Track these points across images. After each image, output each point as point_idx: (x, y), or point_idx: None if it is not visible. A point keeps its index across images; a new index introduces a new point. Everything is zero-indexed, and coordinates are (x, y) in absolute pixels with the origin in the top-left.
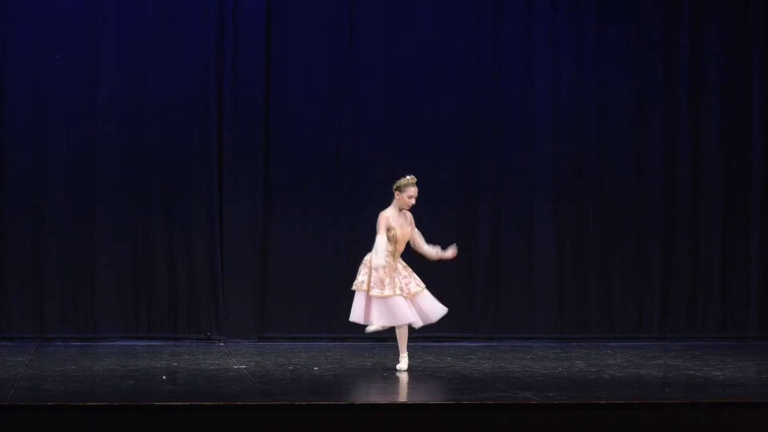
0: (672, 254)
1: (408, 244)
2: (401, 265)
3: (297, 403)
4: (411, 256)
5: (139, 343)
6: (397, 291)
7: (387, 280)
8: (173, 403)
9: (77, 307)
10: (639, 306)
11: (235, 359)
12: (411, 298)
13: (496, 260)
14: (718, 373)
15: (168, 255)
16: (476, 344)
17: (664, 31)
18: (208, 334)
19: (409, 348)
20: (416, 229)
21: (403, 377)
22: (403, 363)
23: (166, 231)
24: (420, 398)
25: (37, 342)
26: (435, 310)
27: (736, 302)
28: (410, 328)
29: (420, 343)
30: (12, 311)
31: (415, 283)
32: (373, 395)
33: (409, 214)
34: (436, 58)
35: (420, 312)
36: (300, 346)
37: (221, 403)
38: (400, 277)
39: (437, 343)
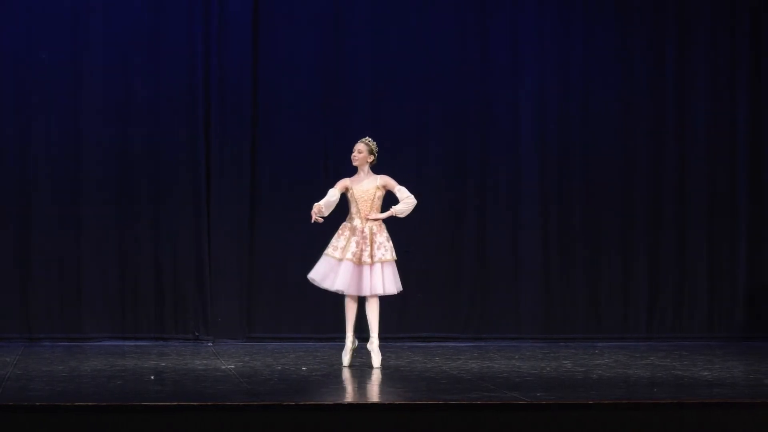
0: (658, 254)
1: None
2: (371, 230)
3: (285, 403)
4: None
5: (127, 343)
6: (336, 254)
7: (342, 242)
8: (161, 404)
9: (64, 308)
10: (626, 306)
11: (223, 359)
12: (359, 264)
13: (483, 260)
14: (705, 373)
15: (155, 255)
16: (464, 344)
17: (650, 33)
18: (196, 334)
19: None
20: (398, 187)
21: (392, 377)
22: (347, 344)
23: (153, 231)
24: (408, 398)
25: (24, 342)
26: (370, 285)
27: (723, 302)
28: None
29: (408, 343)
30: None
31: (369, 254)
32: (362, 395)
33: (381, 178)
34: (422, 59)
35: (357, 280)
36: (288, 346)
37: (209, 403)
38: (356, 241)
39: (424, 344)
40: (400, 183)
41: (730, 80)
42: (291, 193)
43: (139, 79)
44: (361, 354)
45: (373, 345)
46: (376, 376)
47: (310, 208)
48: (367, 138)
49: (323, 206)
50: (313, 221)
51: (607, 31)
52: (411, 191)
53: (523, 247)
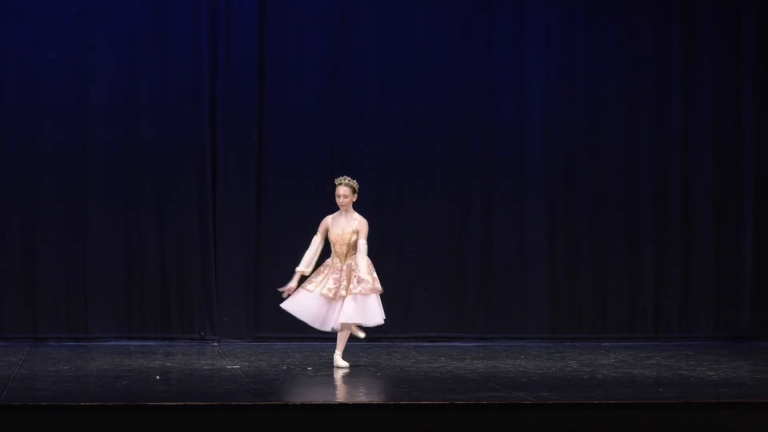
0: (664, 254)
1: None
2: (349, 267)
3: (291, 403)
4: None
5: (133, 343)
6: (314, 288)
7: (320, 278)
8: (167, 403)
9: (70, 307)
10: (632, 306)
11: (229, 359)
12: (335, 300)
13: (489, 260)
14: (711, 373)
15: (161, 255)
16: (470, 344)
17: (655, 30)
18: (202, 334)
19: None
20: (362, 240)
21: (398, 377)
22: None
23: (159, 231)
24: (414, 398)
25: (30, 342)
26: (336, 317)
27: (729, 302)
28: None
29: (413, 343)
30: (5, 311)
31: (344, 286)
32: (367, 395)
33: (356, 221)
34: (427, 58)
35: (325, 315)
36: (293, 346)
37: (215, 403)
38: (334, 278)
39: (430, 343)
40: (405, 182)
41: (736, 80)
42: (297, 193)
43: (145, 80)
44: (366, 354)
45: (337, 358)
46: (381, 376)
47: (316, 209)
48: (346, 178)
49: (305, 267)
50: (284, 292)
51: (611, 33)
52: (416, 190)
53: (529, 248)
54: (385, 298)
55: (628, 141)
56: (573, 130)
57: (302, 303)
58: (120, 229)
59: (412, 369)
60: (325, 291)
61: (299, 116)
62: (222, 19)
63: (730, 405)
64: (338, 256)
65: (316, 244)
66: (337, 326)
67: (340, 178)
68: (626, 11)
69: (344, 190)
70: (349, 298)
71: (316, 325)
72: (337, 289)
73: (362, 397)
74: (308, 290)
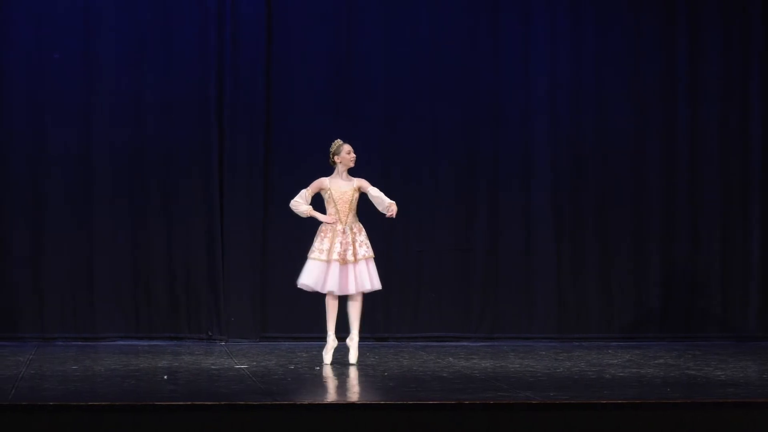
0: (671, 253)
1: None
2: (351, 229)
3: (298, 402)
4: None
5: (140, 342)
6: (323, 256)
7: (326, 245)
8: (174, 403)
9: (78, 307)
10: (639, 305)
11: (237, 359)
12: (344, 264)
13: (495, 259)
14: (719, 373)
15: (168, 254)
16: (477, 344)
17: (662, 29)
18: (209, 333)
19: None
20: (371, 188)
21: (405, 377)
22: (329, 342)
23: (167, 230)
24: (421, 398)
25: (37, 342)
26: (356, 283)
27: (736, 301)
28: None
29: (421, 343)
30: (13, 311)
31: (352, 252)
32: (374, 395)
33: (358, 180)
34: (433, 57)
35: (344, 280)
36: (301, 346)
37: (222, 403)
38: (339, 241)
39: (438, 343)
40: (412, 181)
41: (744, 74)
42: None
43: (152, 78)
44: (373, 354)
45: (353, 341)
46: (389, 376)
47: (322, 208)
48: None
49: (302, 210)
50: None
51: (618, 31)
52: (423, 189)
53: (536, 247)
54: (392, 299)
55: (634, 139)
56: (579, 128)
57: (315, 273)
58: (127, 228)
59: (419, 369)
60: (335, 256)
61: (307, 115)
62: (229, 18)
63: (738, 405)
64: (339, 218)
65: (303, 193)
66: (353, 290)
67: (339, 140)
68: (633, 10)
69: (351, 148)
70: (361, 265)
71: (335, 290)
72: (345, 253)
73: (370, 396)
74: (319, 259)
